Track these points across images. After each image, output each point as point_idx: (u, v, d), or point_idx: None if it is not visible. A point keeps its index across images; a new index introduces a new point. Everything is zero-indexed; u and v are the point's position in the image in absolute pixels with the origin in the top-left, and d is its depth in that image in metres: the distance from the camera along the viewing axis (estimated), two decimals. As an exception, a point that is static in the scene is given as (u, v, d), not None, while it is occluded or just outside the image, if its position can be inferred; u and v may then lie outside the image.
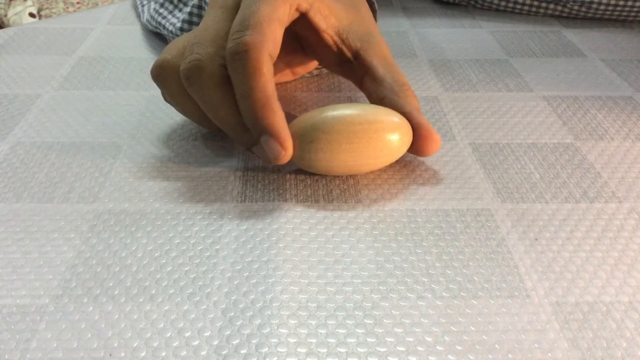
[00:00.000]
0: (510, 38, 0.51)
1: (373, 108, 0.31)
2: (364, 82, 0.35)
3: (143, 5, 0.51)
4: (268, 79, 0.30)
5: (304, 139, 0.30)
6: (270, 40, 0.30)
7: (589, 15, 0.54)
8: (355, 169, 0.31)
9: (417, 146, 0.32)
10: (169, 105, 0.39)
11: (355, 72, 0.35)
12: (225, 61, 0.30)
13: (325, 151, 0.30)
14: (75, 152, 0.34)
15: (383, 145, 0.30)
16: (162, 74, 0.32)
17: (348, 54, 0.35)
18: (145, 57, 0.47)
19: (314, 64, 0.40)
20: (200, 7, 0.42)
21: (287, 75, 0.40)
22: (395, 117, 0.31)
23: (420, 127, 0.31)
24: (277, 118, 0.29)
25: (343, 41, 0.35)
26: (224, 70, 0.31)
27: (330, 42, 0.35)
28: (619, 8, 0.52)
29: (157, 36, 0.50)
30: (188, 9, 0.43)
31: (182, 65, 0.31)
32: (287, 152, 0.29)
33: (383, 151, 0.31)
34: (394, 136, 0.30)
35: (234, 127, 0.31)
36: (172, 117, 0.38)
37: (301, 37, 0.37)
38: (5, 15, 1.74)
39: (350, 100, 0.40)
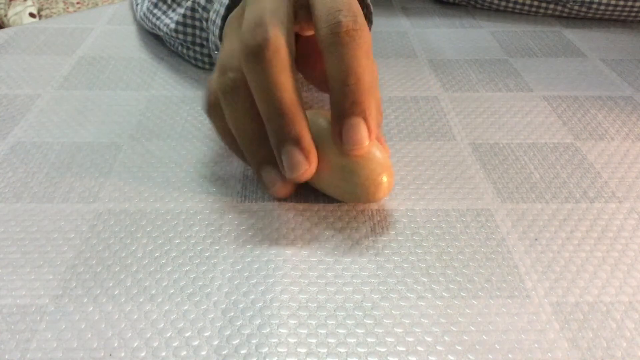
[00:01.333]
0: (510, 38, 0.51)
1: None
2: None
3: (138, 4, 0.51)
4: (294, 79, 0.27)
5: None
6: (291, 34, 0.27)
7: (589, 15, 0.54)
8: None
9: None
10: (168, 105, 0.39)
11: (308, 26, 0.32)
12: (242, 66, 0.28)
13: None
14: (75, 152, 0.34)
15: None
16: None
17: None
18: (145, 57, 0.47)
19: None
20: (193, 10, 0.42)
21: None
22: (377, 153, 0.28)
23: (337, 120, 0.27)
24: (305, 125, 0.27)
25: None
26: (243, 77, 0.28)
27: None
28: (619, 8, 0.52)
29: (156, 36, 0.50)
30: (182, 11, 0.43)
31: (219, 79, 0.29)
32: (312, 166, 0.27)
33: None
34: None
35: (252, 140, 0.29)
36: (172, 117, 0.38)
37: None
38: (5, 15, 1.74)
39: None
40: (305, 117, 0.27)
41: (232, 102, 0.29)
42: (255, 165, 0.30)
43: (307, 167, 0.27)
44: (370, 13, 0.39)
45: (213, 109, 0.30)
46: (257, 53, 0.27)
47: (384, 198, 0.30)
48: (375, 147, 0.28)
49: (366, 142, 0.27)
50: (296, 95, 0.27)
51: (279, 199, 0.30)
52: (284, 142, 0.27)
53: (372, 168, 0.28)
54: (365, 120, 0.27)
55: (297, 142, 0.27)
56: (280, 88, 0.26)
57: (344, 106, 0.27)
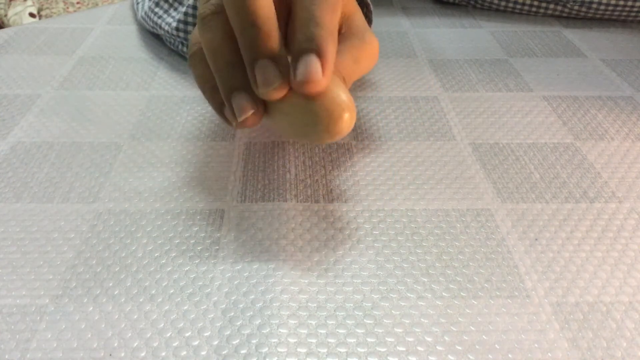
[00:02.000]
0: (510, 38, 0.51)
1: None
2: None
3: (138, 3, 0.51)
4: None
5: None
6: None
7: (589, 15, 0.54)
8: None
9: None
10: (168, 105, 0.39)
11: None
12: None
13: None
14: (75, 152, 0.34)
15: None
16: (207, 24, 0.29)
17: None
18: (145, 57, 0.47)
19: None
20: (195, 8, 0.42)
21: None
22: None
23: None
24: (280, 41, 0.26)
25: None
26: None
27: None
28: (619, 8, 0.52)
29: (156, 36, 0.50)
30: (183, 9, 0.43)
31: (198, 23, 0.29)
32: (285, 81, 0.26)
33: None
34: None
35: (225, 62, 0.28)
36: (172, 117, 0.38)
37: None
38: (5, 15, 1.74)
39: None
40: (280, 35, 0.27)
41: (210, 25, 0.28)
42: (227, 90, 0.28)
43: (281, 81, 0.26)
44: (370, 12, 0.39)
45: (195, 56, 0.30)
46: None
47: (342, 136, 0.27)
48: (338, 86, 0.27)
49: (319, 78, 0.25)
50: (272, 11, 0.26)
51: (279, 199, 0.30)
52: (258, 55, 0.26)
53: (332, 101, 0.26)
54: (320, 56, 0.26)
55: (272, 56, 0.26)
56: (256, 2, 0.26)
57: (300, 45, 0.26)
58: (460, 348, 0.23)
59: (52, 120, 0.38)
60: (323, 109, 0.26)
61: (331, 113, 0.26)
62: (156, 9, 0.47)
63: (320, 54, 0.26)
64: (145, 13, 0.48)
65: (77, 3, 1.84)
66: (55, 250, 0.27)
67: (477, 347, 0.23)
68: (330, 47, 0.27)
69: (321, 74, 0.26)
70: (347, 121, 0.26)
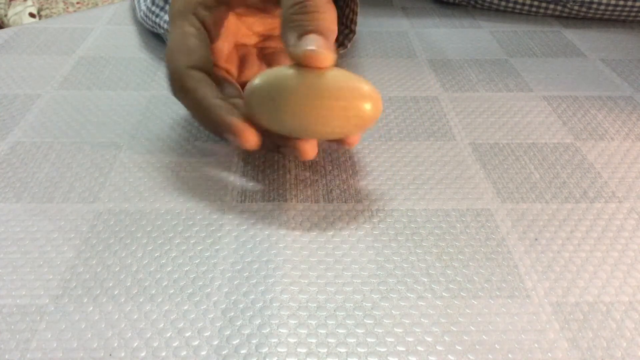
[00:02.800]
0: (510, 38, 0.51)
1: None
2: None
3: (137, 3, 0.51)
4: (201, 95, 0.30)
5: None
6: (183, 53, 0.31)
7: (589, 15, 0.54)
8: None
9: None
10: (169, 105, 0.40)
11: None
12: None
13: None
14: (75, 152, 0.34)
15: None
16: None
17: None
18: (145, 57, 0.47)
19: (274, 22, 0.38)
20: None
21: (248, 37, 0.38)
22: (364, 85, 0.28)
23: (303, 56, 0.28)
24: (232, 121, 0.29)
25: None
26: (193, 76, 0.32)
27: None
28: (619, 8, 0.52)
29: (156, 36, 0.50)
30: None
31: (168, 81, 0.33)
32: (251, 140, 0.29)
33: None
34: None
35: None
36: (172, 117, 0.38)
37: None
38: (5, 15, 1.74)
39: None
40: (228, 112, 0.30)
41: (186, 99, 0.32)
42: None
43: (251, 142, 0.29)
44: (357, 5, 0.40)
45: (179, 92, 0.33)
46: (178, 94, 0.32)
47: (369, 127, 0.29)
48: (353, 78, 0.28)
49: (326, 54, 0.27)
50: (217, 100, 0.30)
51: (279, 199, 0.30)
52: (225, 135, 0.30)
53: (353, 95, 0.28)
54: (322, 34, 0.28)
55: (234, 134, 0.29)
56: (199, 113, 0.31)
57: (302, 23, 0.28)
58: (460, 348, 0.23)
59: (52, 120, 0.38)
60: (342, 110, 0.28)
61: (352, 110, 0.27)
62: (153, 7, 0.47)
63: (322, 33, 0.28)
64: (144, 13, 0.48)
65: (77, 3, 1.84)
66: (55, 250, 0.27)
67: (477, 347, 0.23)
68: (329, 21, 0.28)
69: (328, 51, 0.27)
70: (370, 112, 0.28)
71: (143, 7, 0.48)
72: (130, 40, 0.50)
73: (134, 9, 0.56)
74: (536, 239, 0.28)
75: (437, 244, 0.28)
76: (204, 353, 0.22)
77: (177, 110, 0.39)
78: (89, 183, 0.32)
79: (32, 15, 1.74)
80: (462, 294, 0.25)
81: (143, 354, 0.22)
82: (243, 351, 0.22)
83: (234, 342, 0.23)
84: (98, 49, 0.48)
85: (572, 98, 0.41)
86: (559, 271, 0.26)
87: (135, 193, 0.31)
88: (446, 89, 0.42)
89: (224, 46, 0.36)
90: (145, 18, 0.48)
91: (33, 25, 0.53)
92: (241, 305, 0.24)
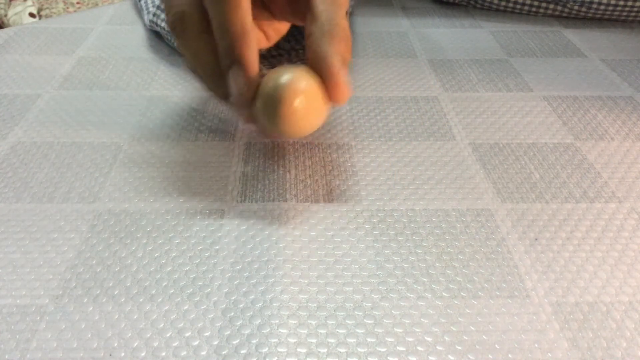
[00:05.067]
0: (510, 38, 0.51)
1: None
2: (306, 20, 0.33)
3: (142, 10, 0.51)
4: (246, 12, 0.29)
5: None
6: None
7: (589, 15, 0.54)
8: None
9: (328, 94, 0.30)
10: (168, 105, 0.40)
11: (301, 9, 0.34)
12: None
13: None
14: (75, 152, 0.34)
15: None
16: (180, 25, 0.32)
17: None
18: (146, 57, 0.47)
19: (286, 26, 0.39)
20: None
21: (262, 41, 0.39)
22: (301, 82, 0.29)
23: (329, 75, 0.29)
24: (251, 51, 0.29)
25: None
26: (205, 17, 0.31)
27: None
28: (619, 8, 0.52)
29: (157, 36, 0.50)
30: None
31: (167, 18, 0.31)
32: (250, 86, 0.29)
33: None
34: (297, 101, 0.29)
35: (213, 74, 0.31)
36: (172, 117, 0.38)
37: None
38: (5, 15, 1.74)
39: None
40: (255, 45, 0.29)
41: (189, 41, 0.31)
42: (221, 98, 0.31)
43: (246, 89, 0.29)
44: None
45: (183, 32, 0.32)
46: None
47: (298, 127, 0.29)
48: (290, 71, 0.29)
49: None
50: (249, 25, 0.29)
51: (279, 199, 0.30)
52: (231, 65, 0.29)
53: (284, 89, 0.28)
54: (345, 66, 0.30)
55: (243, 64, 0.29)
56: (233, 21, 0.29)
57: (342, 51, 0.30)
58: (460, 348, 0.23)
59: (52, 120, 0.38)
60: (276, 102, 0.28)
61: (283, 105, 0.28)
62: (157, 12, 0.47)
63: (345, 65, 0.30)
64: (151, 20, 0.48)
65: (77, 3, 1.84)
66: (55, 250, 0.27)
67: (477, 347, 0.23)
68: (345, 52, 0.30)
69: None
70: (300, 109, 0.28)
71: (150, 15, 0.48)
72: (130, 40, 0.50)
73: (137, 9, 0.56)
74: (536, 239, 0.28)
75: (437, 244, 0.28)
76: (204, 353, 0.22)
77: (177, 110, 0.39)
78: (89, 183, 0.32)
79: (32, 15, 1.74)
80: (462, 294, 0.25)
81: (143, 354, 0.22)
82: (243, 351, 0.22)
83: (234, 342, 0.23)
84: (98, 49, 0.48)
85: (572, 98, 0.41)
86: (559, 271, 0.26)
87: (135, 193, 0.31)
88: (446, 89, 0.42)
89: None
90: (153, 24, 0.48)
91: (33, 25, 0.53)
92: (241, 305, 0.24)
